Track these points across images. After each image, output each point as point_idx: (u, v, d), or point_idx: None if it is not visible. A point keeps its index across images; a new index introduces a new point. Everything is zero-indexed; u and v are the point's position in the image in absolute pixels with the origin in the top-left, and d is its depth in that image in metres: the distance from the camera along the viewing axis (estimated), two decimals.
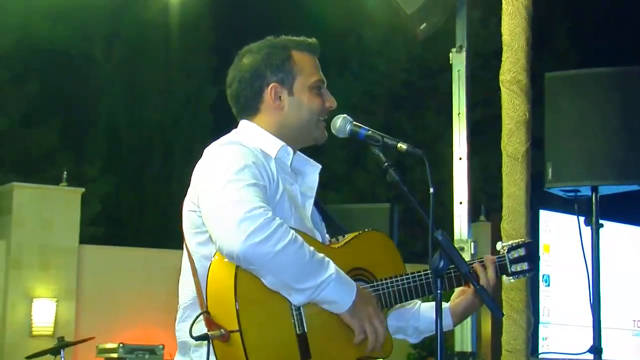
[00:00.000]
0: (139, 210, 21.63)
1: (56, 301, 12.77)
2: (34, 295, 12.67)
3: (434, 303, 3.01)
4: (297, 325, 2.60)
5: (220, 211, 2.55)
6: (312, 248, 2.58)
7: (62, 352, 7.86)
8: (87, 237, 15.84)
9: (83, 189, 13.67)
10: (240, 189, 2.56)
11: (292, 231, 2.55)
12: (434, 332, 3.01)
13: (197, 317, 2.62)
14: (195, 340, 2.60)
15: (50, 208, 13.05)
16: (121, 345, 9.78)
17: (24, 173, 17.36)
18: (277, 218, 2.53)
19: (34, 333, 12.51)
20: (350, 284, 2.65)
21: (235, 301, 2.53)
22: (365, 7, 15.88)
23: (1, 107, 18.98)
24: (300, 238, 2.56)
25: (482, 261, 2.92)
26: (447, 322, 3.03)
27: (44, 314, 12.63)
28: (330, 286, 2.57)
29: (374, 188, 20.37)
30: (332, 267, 2.59)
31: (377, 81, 22.64)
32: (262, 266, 2.52)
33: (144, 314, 13.21)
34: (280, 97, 2.86)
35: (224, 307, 2.56)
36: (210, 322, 2.57)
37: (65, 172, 13.79)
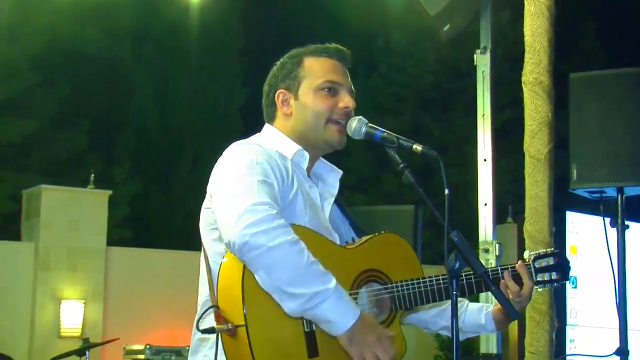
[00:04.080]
0: (167, 213, 21.71)
1: (84, 303, 12.83)
2: (62, 297, 12.73)
3: (480, 304, 3.08)
4: (305, 323, 2.60)
5: (227, 202, 2.60)
6: (314, 258, 2.54)
7: (87, 353, 7.90)
8: (116, 239, 15.94)
9: (110, 191, 13.73)
10: (249, 184, 2.61)
11: (294, 234, 2.54)
12: (478, 334, 3.11)
13: (205, 311, 2.66)
14: (202, 334, 2.65)
15: (78, 210, 13.12)
16: (148, 346, 9.78)
17: (53, 176, 17.47)
18: (282, 218, 2.55)
19: (62, 334, 12.57)
20: (352, 306, 2.58)
21: (242, 296, 2.55)
22: (394, 9, 15.87)
23: (31, 110, 19.11)
24: (302, 244, 2.54)
25: (514, 268, 2.91)
26: (490, 327, 3.04)
27: (71, 315, 12.69)
28: (329, 302, 2.51)
29: (402, 190, 20.34)
30: (333, 283, 2.54)
31: (405, 83, 22.62)
32: (254, 259, 2.52)
33: (171, 316, 13.25)
34: (288, 102, 2.92)
35: (231, 303, 2.58)
36: (219, 317, 2.60)
37: (92, 175, 13.86)
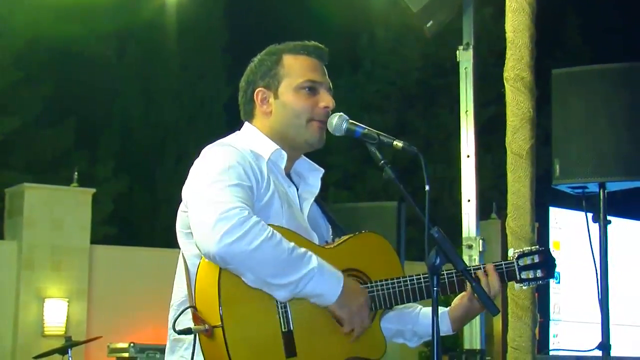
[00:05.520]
0: (152, 210, 21.68)
1: (68, 301, 12.78)
2: (45, 296, 12.66)
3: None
4: (282, 323, 2.61)
5: (198, 213, 2.60)
6: (292, 244, 2.58)
7: (69, 351, 7.90)
8: (100, 237, 15.86)
9: (94, 190, 13.67)
10: (219, 190, 2.60)
11: (269, 228, 2.56)
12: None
13: (183, 311, 2.66)
14: (178, 334, 2.65)
15: (61, 209, 13.04)
16: (132, 344, 9.76)
17: (37, 174, 17.40)
18: (254, 217, 2.55)
19: (45, 333, 12.50)
20: (335, 275, 2.64)
21: (219, 297, 2.56)
22: (378, 6, 15.89)
23: (14, 107, 19.01)
24: (278, 235, 2.57)
25: (484, 267, 2.89)
26: (446, 327, 2.98)
27: (55, 314, 12.63)
28: (314, 280, 2.58)
29: (387, 186, 20.35)
30: (314, 261, 2.59)
31: (390, 80, 22.61)
32: (238, 265, 2.54)
33: (156, 314, 13.15)
34: (268, 101, 2.89)
35: (208, 303, 2.59)
36: (196, 318, 2.61)
37: (76, 173, 13.80)
